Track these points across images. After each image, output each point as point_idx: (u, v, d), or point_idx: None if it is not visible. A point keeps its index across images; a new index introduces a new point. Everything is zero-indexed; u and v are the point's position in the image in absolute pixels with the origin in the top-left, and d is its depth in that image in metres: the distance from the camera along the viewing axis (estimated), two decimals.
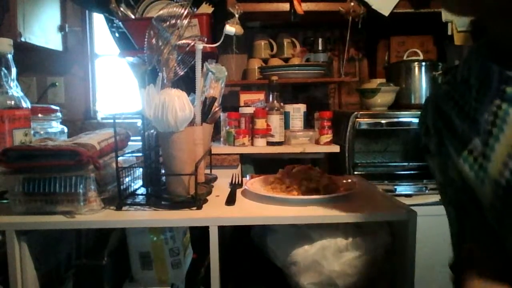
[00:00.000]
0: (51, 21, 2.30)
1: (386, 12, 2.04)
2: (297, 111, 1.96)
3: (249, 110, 1.88)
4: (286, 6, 2.04)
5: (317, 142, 1.88)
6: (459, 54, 2.14)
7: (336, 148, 1.83)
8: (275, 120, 1.83)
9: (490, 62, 0.51)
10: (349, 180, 0.94)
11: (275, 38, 2.32)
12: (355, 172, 1.80)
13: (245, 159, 1.85)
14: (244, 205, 0.84)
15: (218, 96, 1.13)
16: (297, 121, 1.96)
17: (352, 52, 2.47)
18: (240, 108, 1.91)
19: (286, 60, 2.28)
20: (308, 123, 2.06)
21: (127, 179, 0.87)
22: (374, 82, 1.88)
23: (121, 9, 1.98)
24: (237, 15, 2.02)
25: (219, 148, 1.83)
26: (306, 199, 0.81)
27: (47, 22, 2.26)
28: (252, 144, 1.86)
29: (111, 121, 2.17)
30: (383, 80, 1.92)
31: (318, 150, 1.85)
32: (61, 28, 2.39)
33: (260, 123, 1.82)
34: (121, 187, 0.81)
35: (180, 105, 0.82)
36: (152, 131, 0.89)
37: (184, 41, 1.02)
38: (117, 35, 2.24)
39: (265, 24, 2.37)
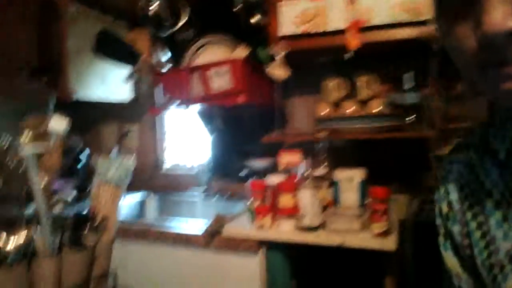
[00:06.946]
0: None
1: None
2: (348, 181, 1.43)
3: (277, 180, 1.43)
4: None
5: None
6: None
7: (390, 244, 1.23)
8: (307, 196, 1.34)
9: None
10: None
11: (350, 75, 1.83)
12: None
13: (272, 244, 1.40)
14: None
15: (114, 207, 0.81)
16: (349, 195, 1.43)
17: (459, 88, 1.77)
18: (267, 178, 1.47)
19: (364, 102, 1.77)
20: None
21: None
22: None
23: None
24: (280, 56, 1.64)
25: (235, 228, 1.43)
26: None
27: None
28: (277, 225, 1.41)
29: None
30: None
31: (363, 244, 1.25)
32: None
33: (284, 200, 1.36)
34: None
35: None
36: None
37: None
38: None
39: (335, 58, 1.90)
